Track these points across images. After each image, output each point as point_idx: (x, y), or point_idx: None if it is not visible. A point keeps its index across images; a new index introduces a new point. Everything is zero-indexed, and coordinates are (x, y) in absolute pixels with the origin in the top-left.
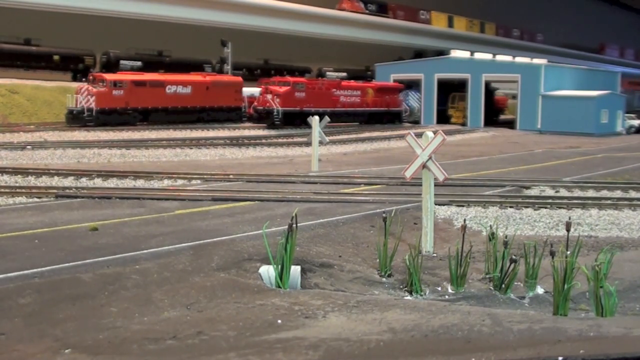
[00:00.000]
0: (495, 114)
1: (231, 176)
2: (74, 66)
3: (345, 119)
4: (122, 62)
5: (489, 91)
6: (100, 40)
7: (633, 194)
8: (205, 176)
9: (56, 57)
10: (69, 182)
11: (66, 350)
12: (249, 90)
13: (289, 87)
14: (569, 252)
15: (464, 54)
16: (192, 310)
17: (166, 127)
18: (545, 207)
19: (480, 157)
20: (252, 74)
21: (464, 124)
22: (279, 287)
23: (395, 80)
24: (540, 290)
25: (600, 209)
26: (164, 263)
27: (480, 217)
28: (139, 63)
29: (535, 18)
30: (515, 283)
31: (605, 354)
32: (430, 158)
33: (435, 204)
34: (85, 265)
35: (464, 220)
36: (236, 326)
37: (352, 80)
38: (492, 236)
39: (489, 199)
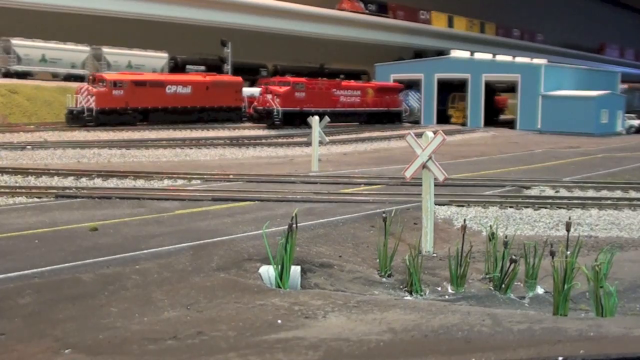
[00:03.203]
0: (495, 114)
1: (231, 176)
2: None
3: (345, 119)
4: (187, 66)
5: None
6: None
7: (633, 194)
8: (205, 176)
9: None
10: (69, 182)
11: (66, 351)
12: (249, 90)
13: (289, 87)
14: (569, 252)
15: (464, 54)
16: (192, 311)
17: (166, 127)
18: (545, 207)
19: (480, 157)
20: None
21: (464, 124)
22: (279, 287)
23: (395, 80)
24: (540, 290)
25: (600, 209)
26: (164, 263)
27: (480, 217)
28: (202, 67)
29: (535, 18)
30: (515, 283)
31: (605, 354)
32: (430, 158)
33: (435, 204)
34: (85, 265)
35: (464, 220)
36: (236, 326)
37: (352, 80)
38: (492, 236)
39: (489, 199)
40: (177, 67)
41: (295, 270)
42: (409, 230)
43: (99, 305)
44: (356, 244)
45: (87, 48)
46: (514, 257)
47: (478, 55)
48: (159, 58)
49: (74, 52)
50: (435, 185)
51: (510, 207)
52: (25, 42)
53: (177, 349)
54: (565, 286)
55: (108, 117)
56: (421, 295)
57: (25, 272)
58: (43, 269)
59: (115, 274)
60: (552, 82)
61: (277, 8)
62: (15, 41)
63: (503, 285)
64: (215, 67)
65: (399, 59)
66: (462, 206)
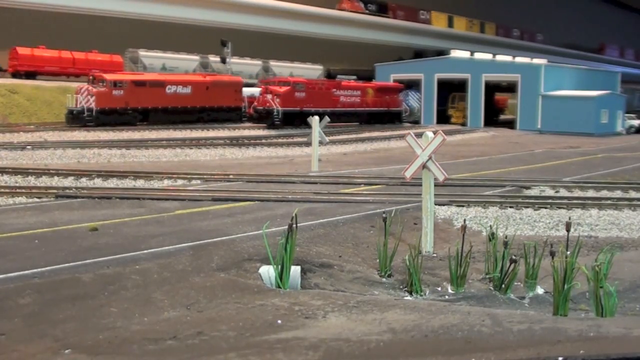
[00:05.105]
0: (495, 114)
1: (231, 176)
2: None
3: (345, 119)
4: (339, 76)
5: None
6: None
7: (633, 194)
8: (205, 176)
9: None
10: (69, 182)
11: (66, 351)
12: (249, 90)
13: (289, 87)
14: (569, 252)
15: (464, 54)
16: (192, 311)
17: (166, 127)
18: (545, 207)
19: (480, 157)
20: None
21: (464, 124)
22: (279, 287)
23: (395, 80)
24: (540, 290)
25: (600, 209)
26: (164, 263)
27: (480, 217)
28: (354, 77)
29: (535, 18)
30: (515, 283)
31: (605, 354)
32: (430, 158)
33: (435, 204)
34: (85, 265)
35: (464, 220)
36: (236, 326)
37: (352, 80)
38: (492, 236)
39: (489, 199)
40: (330, 77)
41: (295, 270)
42: (409, 230)
43: (99, 305)
44: (356, 244)
45: (196, 57)
46: (514, 257)
47: (478, 55)
48: (315, 70)
49: (189, 61)
50: (435, 185)
51: (510, 207)
52: (149, 53)
53: (177, 349)
54: (565, 286)
55: (108, 117)
56: (421, 296)
57: (25, 272)
58: (43, 269)
59: (115, 274)
60: (552, 82)
61: (277, 8)
62: (142, 52)
63: (503, 285)
64: (366, 77)
65: (399, 59)
66: (462, 206)
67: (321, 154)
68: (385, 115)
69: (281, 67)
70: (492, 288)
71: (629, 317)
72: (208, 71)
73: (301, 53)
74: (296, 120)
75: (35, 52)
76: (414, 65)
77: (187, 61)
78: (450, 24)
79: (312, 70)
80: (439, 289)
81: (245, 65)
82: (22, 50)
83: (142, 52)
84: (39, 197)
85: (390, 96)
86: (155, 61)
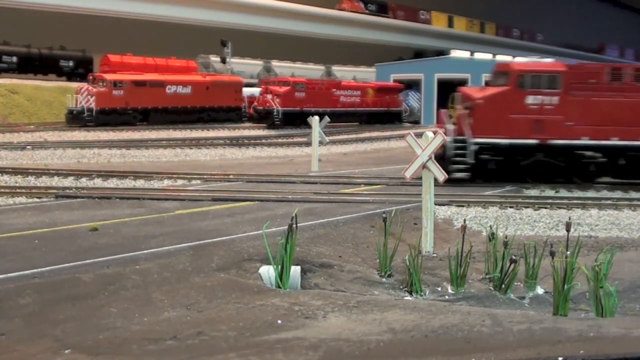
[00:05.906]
0: None
1: (231, 176)
2: None
3: (345, 119)
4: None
5: None
6: None
7: (633, 194)
8: (205, 176)
9: None
10: (69, 182)
11: (66, 351)
12: (249, 90)
13: (289, 87)
14: (569, 252)
15: (464, 54)
16: (192, 311)
17: (166, 127)
18: (545, 207)
19: None
20: None
21: None
22: (279, 287)
23: (395, 80)
24: (540, 290)
25: (600, 209)
26: (164, 263)
27: (480, 217)
28: None
29: (535, 18)
30: (515, 283)
31: (605, 354)
32: (430, 158)
33: (435, 204)
34: (85, 265)
35: (464, 220)
36: (236, 326)
37: (351, 80)
38: (492, 236)
39: (489, 199)
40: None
41: (295, 270)
42: (409, 230)
43: (99, 306)
44: (356, 244)
45: (259, 62)
46: (514, 257)
47: (478, 55)
48: (371, 72)
49: (254, 66)
50: (435, 185)
51: (510, 207)
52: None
53: (177, 349)
54: (565, 286)
55: (108, 117)
56: (421, 296)
57: (25, 272)
58: (43, 269)
59: (115, 274)
60: None
61: (277, 8)
62: (213, 58)
63: (503, 286)
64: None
65: (399, 59)
66: (462, 206)
67: (321, 154)
68: (385, 115)
69: (341, 71)
70: (492, 288)
71: (629, 317)
72: (270, 75)
73: (300, 53)
74: (296, 120)
75: (124, 59)
76: (414, 65)
77: (252, 66)
78: (450, 24)
79: (366, 74)
80: (439, 289)
81: (305, 70)
82: (113, 58)
83: (213, 58)
84: (39, 197)
85: (390, 96)
86: (224, 66)
